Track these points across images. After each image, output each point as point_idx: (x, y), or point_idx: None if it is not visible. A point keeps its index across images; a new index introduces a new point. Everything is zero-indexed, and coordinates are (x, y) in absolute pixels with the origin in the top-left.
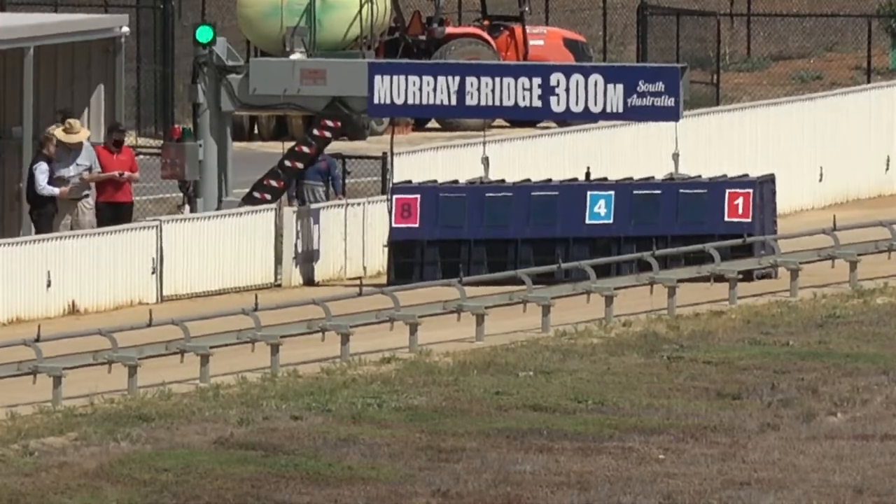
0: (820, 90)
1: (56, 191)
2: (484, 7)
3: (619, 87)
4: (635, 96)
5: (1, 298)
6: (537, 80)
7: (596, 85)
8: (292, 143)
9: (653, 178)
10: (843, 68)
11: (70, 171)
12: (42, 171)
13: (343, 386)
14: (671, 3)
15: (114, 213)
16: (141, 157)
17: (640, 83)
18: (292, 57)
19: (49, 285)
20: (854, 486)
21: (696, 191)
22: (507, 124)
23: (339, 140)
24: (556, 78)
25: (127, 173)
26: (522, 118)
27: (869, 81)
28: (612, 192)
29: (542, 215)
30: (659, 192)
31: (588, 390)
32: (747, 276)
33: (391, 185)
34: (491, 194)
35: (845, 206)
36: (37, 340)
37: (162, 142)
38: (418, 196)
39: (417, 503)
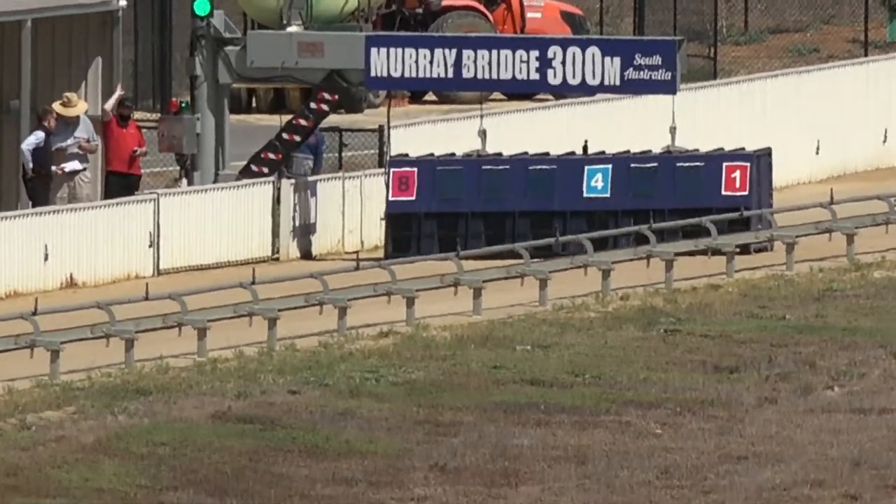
0: (817, 63)
1: (30, 165)
2: None
3: (616, 60)
4: (632, 69)
5: None
6: (534, 53)
7: (593, 58)
8: (290, 116)
9: (650, 151)
10: (840, 41)
11: (67, 143)
12: (37, 136)
13: (340, 360)
14: None
15: (124, 184)
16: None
17: (637, 56)
18: (290, 30)
19: (46, 258)
20: (851, 460)
21: (693, 164)
22: (505, 97)
23: (336, 113)
24: (553, 51)
25: (139, 149)
26: (519, 91)
27: (866, 54)
28: (610, 166)
29: (540, 189)
30: (656, 165)
31: (585, 364)
32: (744, 249)
33: (388, 158)
34: (488, 167)
35: (842, 179)
36: (34, 314)
37: (159, 115)
38: (415, 169)
39: (415, 477)
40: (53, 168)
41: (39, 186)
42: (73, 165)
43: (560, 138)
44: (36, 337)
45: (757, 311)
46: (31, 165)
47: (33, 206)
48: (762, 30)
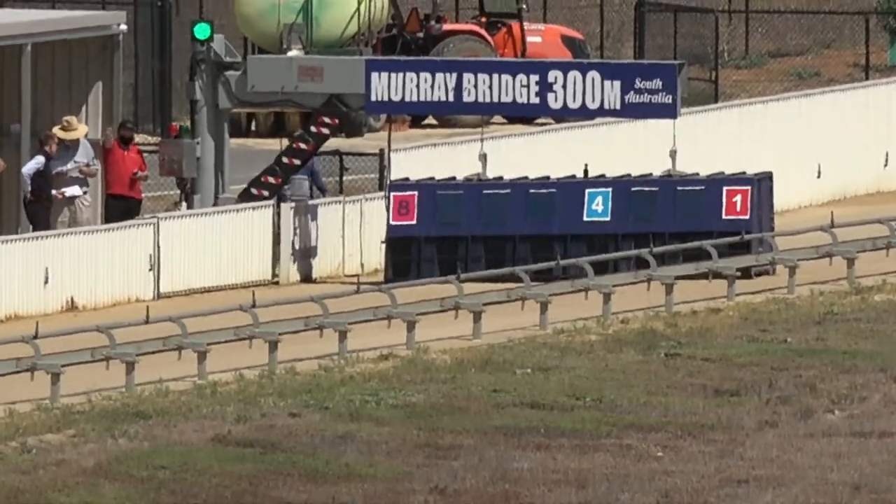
0: (818, 87)
1: (28, 188)
2: (481, 4)
3: (617, 84)
4: (633, 93)
5: None
6: (535, 77)
7: (593, 82)
8: (290, 140)
9: (650, 175)
10: (840, 65)
11: (67, 167)
12: (37, 161)
13: (341, 383)
14: None
15: (124, 208)
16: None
17: (637, 80)
18: (290, 54)
19: (47, 282)
20: (852, 484)
21: (693, 188)
22: (505, 121)
23: (336, 137)
24: (553, 75)
25: (140, 172)
26: (520, 115)
27: (867, 78)
28: (610, 189)
29: (540, 212)
30: (657, 189)
31: (586, 387)
32: (745, 273)
33: (388, 182)
34: (488, 191)
35: (843, 202)
36: (35, 337)
37: (159, 139)
38: (416, 193)
39: (415, 500)
40: (53, 192)
41: (40, 210)
42: (73, 191)
43: (560, 162)
44: (37, 360)
45: (757, 334)
46: (28, 189)
47: (34, 229)
48: (763, 54)
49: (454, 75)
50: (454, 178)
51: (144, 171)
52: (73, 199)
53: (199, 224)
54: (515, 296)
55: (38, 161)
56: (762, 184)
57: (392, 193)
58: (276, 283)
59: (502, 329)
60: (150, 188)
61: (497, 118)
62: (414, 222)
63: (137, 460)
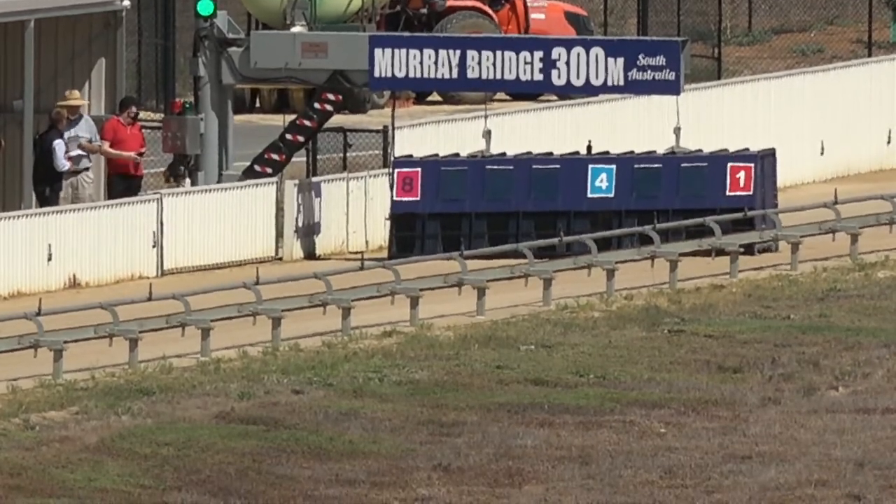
0: (821, 64)
1: (68, 164)
2: None
3: (620, 60)
4: (636, 70)
5: (2, 272)
6: (538, 54)
7: (597, 58)
8: (293, 117)
9: (654, 151)
10: (844, 42)
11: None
12: (62, 148)
13: (344, 360)
14: None
15: (126, 186)
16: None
17: (640, 57)
18: (293, 30)
19: (50, 259)
20: (855, 460)
21: (697, 164)
22: (509, 98)
23: (340, 113)
24: (557, 51)
25: (142, 151)
26: (524, 91)
27: (870, 55)
28: (614, 166)
29: (544, 189)
30: (660, 165)
31: (589, 364)
32: (748, 249)
33: (392, 158)
34: (492, 168)
35: (846, 179)
36: (37, 314)
37: (163, 115)
38: (419, 169)
39: (418, 477)
40: (68, 164)
41: (54, 189)
42: (78, 151)
43: (564, 138)
44: (39, 337)
45: (761, 311)
46: (69, 165)
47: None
48: (766, 30)
49: (458, 52)
50: (458, 155)
51: (143, 146)
52: (77, 172)
53: (202, 201)
54: (519, 272)
55: (61, 146)
56: (766, 160)
57: (396, 170)
58: (280, 259)
59: (506, 305)
60: (154, 164)
61: (501, 95)
62: (418, 199)
63: (141, 437)
